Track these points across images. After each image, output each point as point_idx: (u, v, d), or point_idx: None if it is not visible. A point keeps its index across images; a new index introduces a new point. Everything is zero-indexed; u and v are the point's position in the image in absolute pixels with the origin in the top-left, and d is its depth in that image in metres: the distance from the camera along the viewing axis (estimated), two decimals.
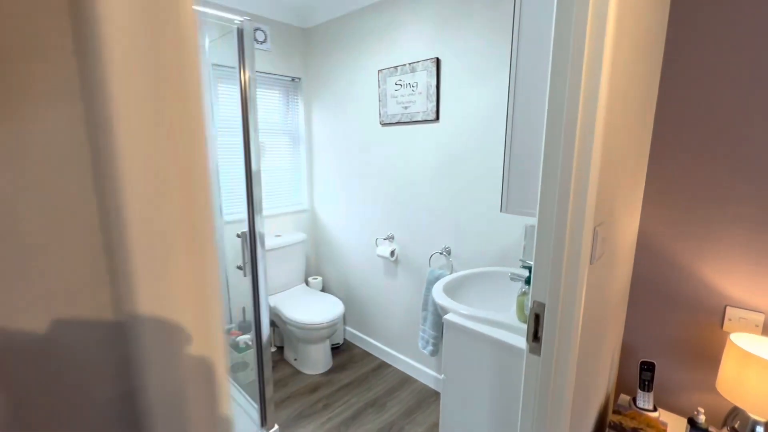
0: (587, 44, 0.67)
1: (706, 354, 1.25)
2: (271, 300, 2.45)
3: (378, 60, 2.13)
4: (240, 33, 1.47)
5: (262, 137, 2.54)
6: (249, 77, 1.50)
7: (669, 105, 1.23)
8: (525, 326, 1.11)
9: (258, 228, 1.60)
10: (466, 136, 1.80)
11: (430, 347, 1.94)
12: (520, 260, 1.52)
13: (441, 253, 1.98)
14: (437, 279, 1.92)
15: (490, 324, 1.15)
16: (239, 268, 1.64)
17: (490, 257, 1.80)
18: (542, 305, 0.80)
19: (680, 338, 1.30)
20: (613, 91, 0.78)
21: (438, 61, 1.84)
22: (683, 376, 1.31)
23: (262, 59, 2.40)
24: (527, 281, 1.11)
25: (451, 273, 1.91)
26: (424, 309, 1.98)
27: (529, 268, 1.14)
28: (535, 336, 0.82)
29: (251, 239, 1.61)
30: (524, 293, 1.11)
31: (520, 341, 1.09)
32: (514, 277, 1.34)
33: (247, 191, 1.57)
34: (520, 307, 1.11)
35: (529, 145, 0.97)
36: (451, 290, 1.47)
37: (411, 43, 1.95)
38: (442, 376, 1.30)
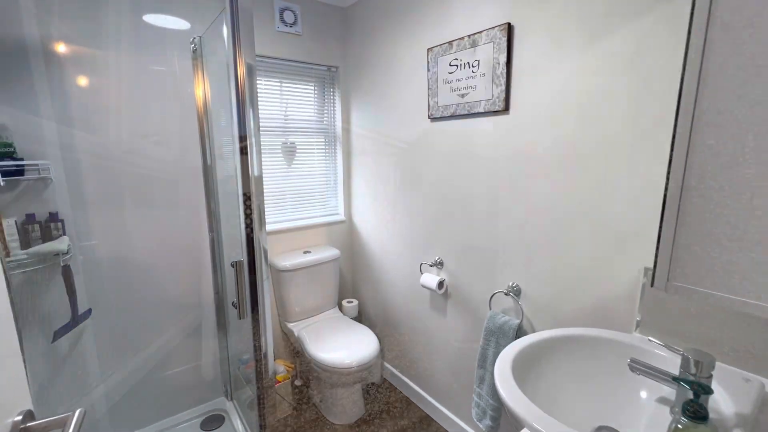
0: None
1: None
2: (295, 328, 2.08)
3: (428, 35, 1.66)
4: (233, 3, 1.08)
5: (293, 137, 2.18)
6: (248, 66, 1.11)
7: None
8: None
9: (259, 246, 1.21)
10: (549, 133, 1.26)
11: (488, 421, 1.42)
12: (650, 340, 0.95)
13: (506, 293, 1.45)
14: (500, 328, 1.40)
15: None
16: (234, 306, 1.26)
17: (579, 307, 1.24)
18: None
19: None
20: None
21: (510, 28, 1.32)
22: None
23: (293, 45, 2.04)
24: (689, 412, 0.57)
25: (520, 321, 1.38)
26: (481, 366, 1.47)
27: (698, 387, 0.60)
28: None
29: (250, 267, 1.23)
30: (683, 430, 0.57)
31: None
32: (637, 368, 0.79)
33: (244, 205, 1.19)
34: None
35: (742, 162, 0.44)
36: (524, 367, 0.95)
37: (472, 5, 1.45)
38: None
